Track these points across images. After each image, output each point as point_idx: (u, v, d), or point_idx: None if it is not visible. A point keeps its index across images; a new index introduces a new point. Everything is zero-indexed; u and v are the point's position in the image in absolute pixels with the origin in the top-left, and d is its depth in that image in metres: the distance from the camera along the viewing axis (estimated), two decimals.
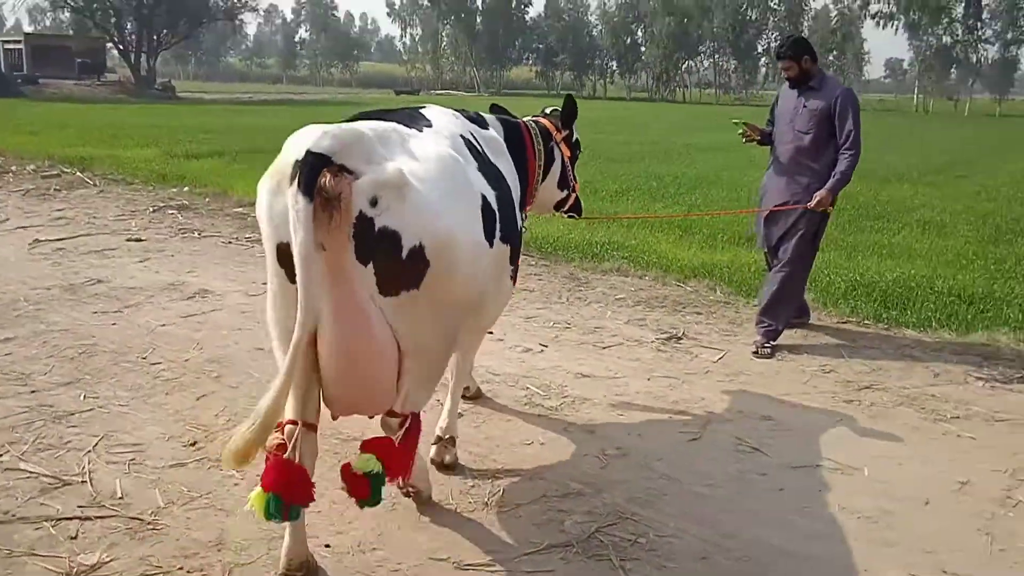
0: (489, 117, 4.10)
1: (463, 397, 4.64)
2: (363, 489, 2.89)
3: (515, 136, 4.18)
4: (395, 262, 2.72)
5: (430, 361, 3.07)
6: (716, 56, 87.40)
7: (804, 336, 6.27)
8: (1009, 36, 70.11)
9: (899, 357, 5.82)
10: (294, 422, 2.86)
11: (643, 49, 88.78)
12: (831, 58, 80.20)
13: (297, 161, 2.56)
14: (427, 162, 2.92)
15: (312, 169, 2.54)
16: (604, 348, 5.86)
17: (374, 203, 2.65)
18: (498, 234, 3.26)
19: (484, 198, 3.16)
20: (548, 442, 4.31)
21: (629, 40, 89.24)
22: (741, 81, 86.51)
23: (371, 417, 3.14)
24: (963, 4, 70.55)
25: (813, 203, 5.73)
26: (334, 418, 3.09)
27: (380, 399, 2.98)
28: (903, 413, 4.81)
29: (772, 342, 5.91)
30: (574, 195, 4.78)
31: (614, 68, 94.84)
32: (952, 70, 73.84)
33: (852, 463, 4.14)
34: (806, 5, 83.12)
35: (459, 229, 2.92)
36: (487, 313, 3.67)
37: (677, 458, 4.15)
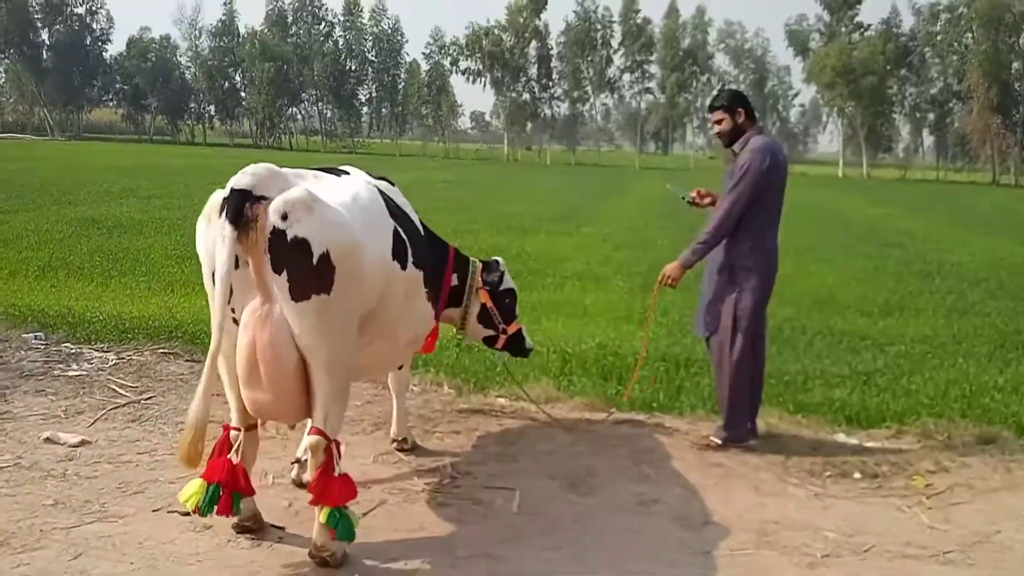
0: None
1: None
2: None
3: (431, 235, 4.67)
4: (307, 267, 3.21)
5: (339, 373, 3.44)
6: (320, 104, 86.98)
7: (596, 453, 5.20)
8: (575, 95, 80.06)
9: (705, 465, 5.00)
10: (237, 428, 3.56)
11: (243, 94, 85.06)
12: (425, 111, 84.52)
13: (224, 198, 3.19)
14: (341, 190, 3.61)
15: (236, 202, 3.15)
16: (363, 515, 4.17)
17: (284, 217, 3.18)
18: (410, 259, 3.83)
19: (396, 228, 3.75)
20: None
21: (228, 84, 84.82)
22: (347, 129, 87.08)
23: (292, 427, 4.08)
24: (536, 65, 79.20)
25: (659, 277, 5.21)
26: (262, 424, 3.72)
27: (292, 406, 3.45)
28: (771, 560, 3.89)
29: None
30: (504, 337, 5.17)
31: (212, 113, 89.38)
32: (529, 123, 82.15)
33: None
34: (400, 58, 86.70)
35: (365, 242, 3.42)
36: (401, 332, 3.98)
37: None
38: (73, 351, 6.79)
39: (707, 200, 5.37)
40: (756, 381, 5.27)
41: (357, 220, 3.46)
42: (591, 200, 27.15)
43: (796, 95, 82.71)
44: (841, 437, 5.63)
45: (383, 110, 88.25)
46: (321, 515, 3.46)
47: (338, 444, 3.52)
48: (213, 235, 3.24)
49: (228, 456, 3.57)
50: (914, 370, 7.16)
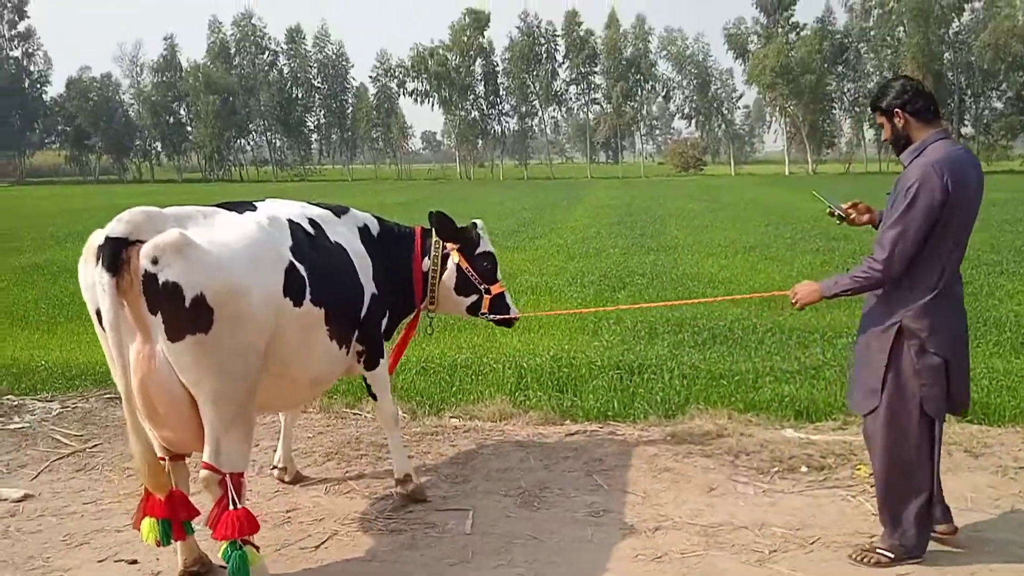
0: (361, 216, 4.72)
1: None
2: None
3: (390, 237, 4.83)
4: (179, 309, 3.30)
5: (226, 408, 3.47)
6: (268, 133, 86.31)
7: (546, 466, 5.22)
8: (524, 110, 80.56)
9: (655, 471, 5.05)
10: (163, 457, 3.63)
11: (189, 128, 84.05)
12: (375, 134, 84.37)
13: (99, 245, 3.28)
14: (227, 230, 3.59)
15: (111, 249, 3.25)
16: (316, 548, 4.14)
17: (155, 261, 3.27)
18: (308, 297, 3.83)
19: (292, 265, 3.77)
20: None
21: (172, 119, 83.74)
22: (298, 157, 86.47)
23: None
24: (483, 83, 79.60)
25: (790, 292, 4.21)
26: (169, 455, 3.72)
27: (195, 439, 3.53)
28: (721, 560, 3.94)
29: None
30: (488, 298, 5.01)
31: (159, 149, 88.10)
32: (479, 140, 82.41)
33: None
34: (347, 83, 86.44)
35: (247, 281, 3.48)
36: (297, 369, 3.93)
37: None
38: (15, 403, 6.65)
39: (865, 217, 4.17)
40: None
41: (239, 260, 3.49)
42: (543, 212, 27.28)
43: (740, 97, 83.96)
44: (789, 432, 5.72)
45: (332, 136, 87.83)
46: (220, 550, 3.48)
47: (237, 477, 3.51)
48: (92, 277, 3.35)
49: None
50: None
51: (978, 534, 4.14)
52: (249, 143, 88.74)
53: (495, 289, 5.05)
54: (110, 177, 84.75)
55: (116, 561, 4.05)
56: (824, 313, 9.66)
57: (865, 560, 3.86)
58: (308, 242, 4.02)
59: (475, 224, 5.10)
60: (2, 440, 5.79)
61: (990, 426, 5.65)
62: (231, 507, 3.45)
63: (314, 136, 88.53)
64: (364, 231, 4.65)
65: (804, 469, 5.02)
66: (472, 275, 4.96)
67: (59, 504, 4.76)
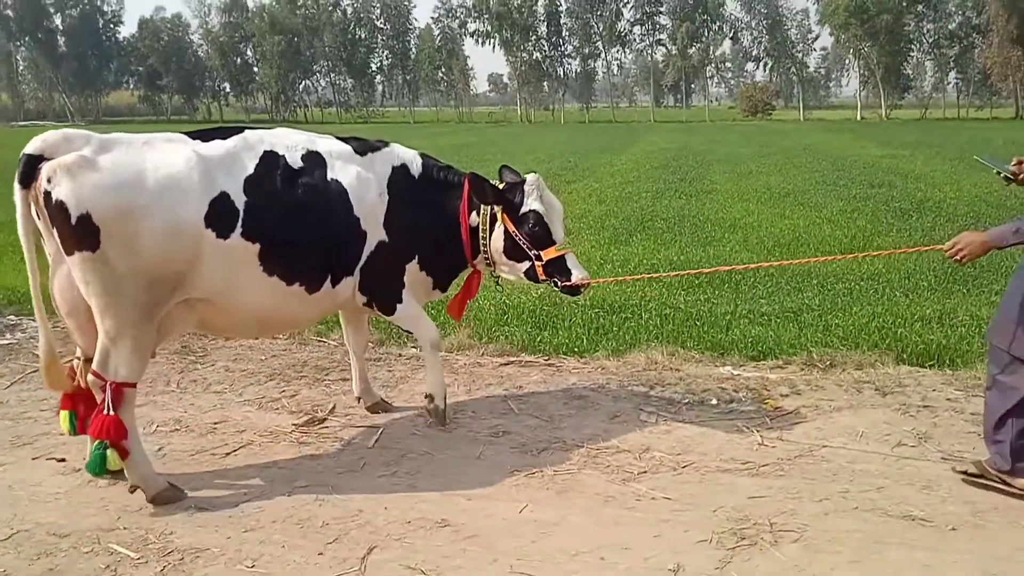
0: (402, 154, 4.56)
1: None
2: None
3: (434, 181, 4.60)
4: (67, 226, 3.58)
5: (114, 323, 3.71)
6: (332, 75, 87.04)
7: (468, 391, 5.47)
8: (586, 51, 79.18)
9: (568, 398, 5.26)
10: (78, 358, 4.04)
11: (256, 69, 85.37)
12: (439, 76, 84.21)
13: (19, 161, 3.63)
14: (143, 159, 3.74)
15: (24, 165, 3.62)
16: (227, 455, 4.50)
17: (49, 180, 3.57)
18: (239, 230, 3.89)
19: (224, 196, 3.86)
20: None
21: (240, 60, 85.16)
22: (360, 99, 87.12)
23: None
24: (545, 23, 78.36)
25: (948, 244, 3.88)
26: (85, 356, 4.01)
27: (92, 343, 3.85)
28: (590, 478, 4.16)
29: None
30: (540, 266, 4.54)
31: (227, 90, 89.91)
32: (544, 83, 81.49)
33: (553, 573, 3.33)
34: (410, 24, 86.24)
35: (147, 209, 3.65)
36: (234, 301, 4.03)
37: None
38: (13, 323, 7.20)
39: None
40: None
41: (141, 186, 3.65)
42: (589, 156, 27.07)
43: (816, 39, 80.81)
44: (728, 369, 5.82)
45: (396, 78, 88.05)
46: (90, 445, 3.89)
47: (119, 386, 3.77)
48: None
49: (76, 383, 4.08)
50: (845, 306, 7.25)
51: (851, 465, 4.24)
52: (314, 84, 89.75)
53: (547, 254, 4.52)
54: (181, 117, 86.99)
55: (48, 459, 4.47)
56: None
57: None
58: (277, 177, 4.03)
59: (523, 180, 4.61)
60: None
61: (921, 367, 5.65)
62: (105, 412, 3.76)
63: (378, 78, 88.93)
64: (401, 171, 4.49)
65: (714, 401, 5.15)
66: (519, 239, 4.53)
67: (19, 410, 5.22)
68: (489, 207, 4.55)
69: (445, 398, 4.82)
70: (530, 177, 4.61)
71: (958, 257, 3.81)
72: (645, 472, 4.20)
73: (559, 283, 4.54)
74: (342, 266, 4.32)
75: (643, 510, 3.83)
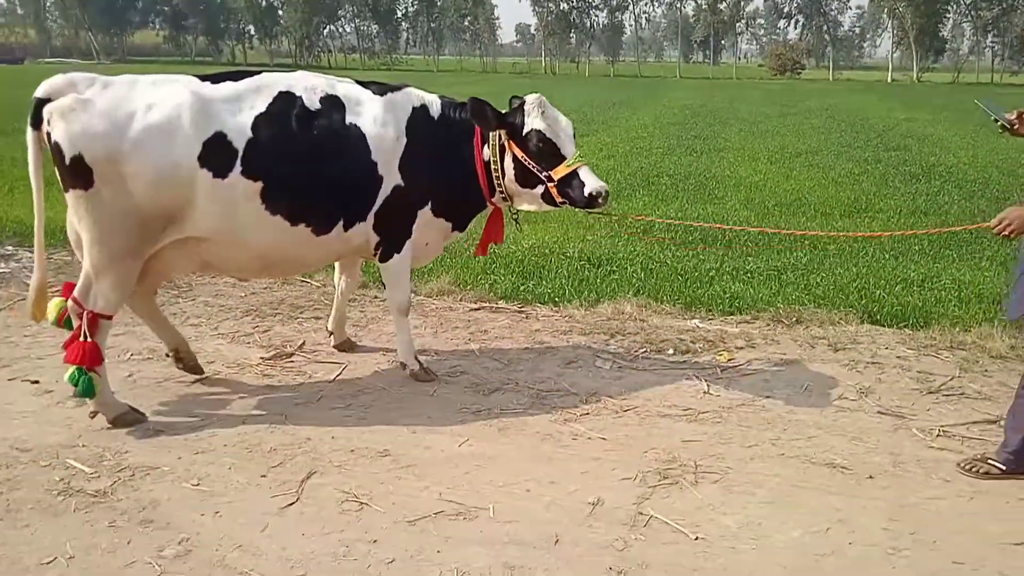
0: (421, 96, 4.51)
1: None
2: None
3: (453, 121, 4.52)
4: (63, 166, 3.81)
5: (101, 257, 3.92)
6: (357, 20, 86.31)
7: (435, 333, 5.63)
8: (614, 3, 77.81)
9: (531, 343, 5.40)
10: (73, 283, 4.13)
11: (281, 13, 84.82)
12: (466, 23, 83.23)
13: (30, 103, 3.82)
14: (140, 100, 3.88)
15: (34, 107, 3.83)
16: (192, 383, 4.70)
17: (48, 122, 3.79)
18: (238, 168, 3.98)
19: (221, 135, 3.94)
20: (78, 554, 3.11)
21: (265, 3, 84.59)
22: (384, 46, 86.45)
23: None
24: None
25: (995, 221, 3.72)
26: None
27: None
28: (534, 418, 4.31)
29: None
30: (553, 187, 4.38)
31: (252, 33, 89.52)
32: (571, 34, 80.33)
33: (478, 502, 3.50)
34: None
35: (141, 149, 3.81)
36: (236, 239, 4.11)
37: (263, 543, 3.20)
38: (10, 253, 7.43)
39: None
40: None
41: (136, 128, 3.80)
42: (607, 110, 26.83)
43: None
44: (695, 323, 5.93)
45: (420, 26, 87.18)
46: (67, 373, 4.00)
47: (96, 316, 3.97)
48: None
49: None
50: (832, 267, 7.29)
51: (787, 415, 4.36)
52: (339, 30, 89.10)
53: (557, 173, 4.35)
54: (206, 59, 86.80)
55: (23, 381, 4.69)
56: (835, 220, 9.46)
57: (974, 470, 3.76)
58: (291, 116, 4.08)
59: (524, 100, 4.46)
60: None
61: (881, 327, 5.73)
62: (82, 339, 3.95)
63: (403, 25, 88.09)
64: (420, 111, 4.45)
65: (670, 351, 5.27)
66: (528, 163, 4.38)
67: (3, 335, 5.45)
68: (497, 137, 4.44)
69: (416, 358, 4.83)
70: (530, 96, 4.47)
71: (1007, 232, 3.67)
72: (587, 414, 4.35)
73: (577, 203, 4.38)
74: (355, 210, 4.33)
75: (577, 448, 3.99)
